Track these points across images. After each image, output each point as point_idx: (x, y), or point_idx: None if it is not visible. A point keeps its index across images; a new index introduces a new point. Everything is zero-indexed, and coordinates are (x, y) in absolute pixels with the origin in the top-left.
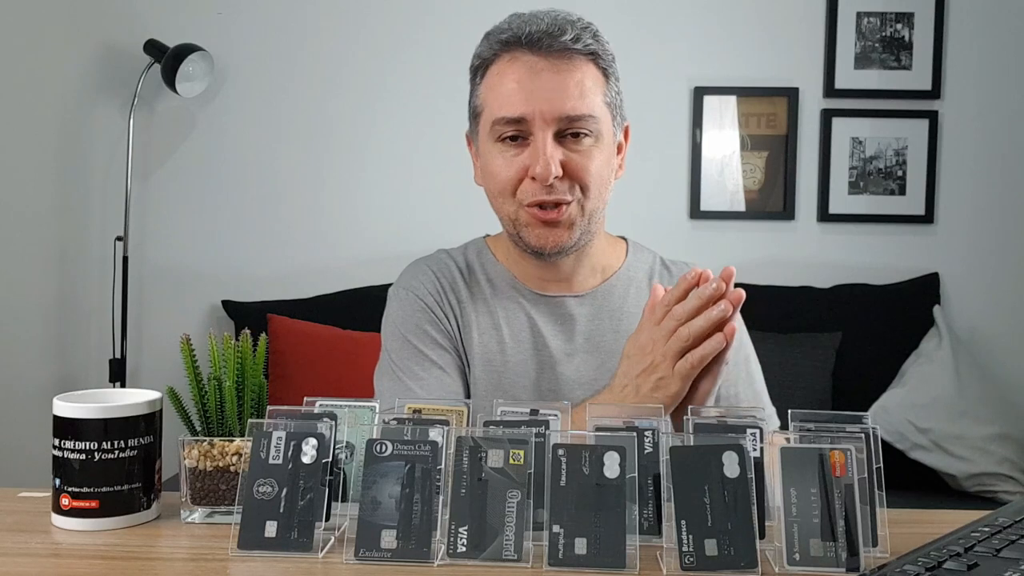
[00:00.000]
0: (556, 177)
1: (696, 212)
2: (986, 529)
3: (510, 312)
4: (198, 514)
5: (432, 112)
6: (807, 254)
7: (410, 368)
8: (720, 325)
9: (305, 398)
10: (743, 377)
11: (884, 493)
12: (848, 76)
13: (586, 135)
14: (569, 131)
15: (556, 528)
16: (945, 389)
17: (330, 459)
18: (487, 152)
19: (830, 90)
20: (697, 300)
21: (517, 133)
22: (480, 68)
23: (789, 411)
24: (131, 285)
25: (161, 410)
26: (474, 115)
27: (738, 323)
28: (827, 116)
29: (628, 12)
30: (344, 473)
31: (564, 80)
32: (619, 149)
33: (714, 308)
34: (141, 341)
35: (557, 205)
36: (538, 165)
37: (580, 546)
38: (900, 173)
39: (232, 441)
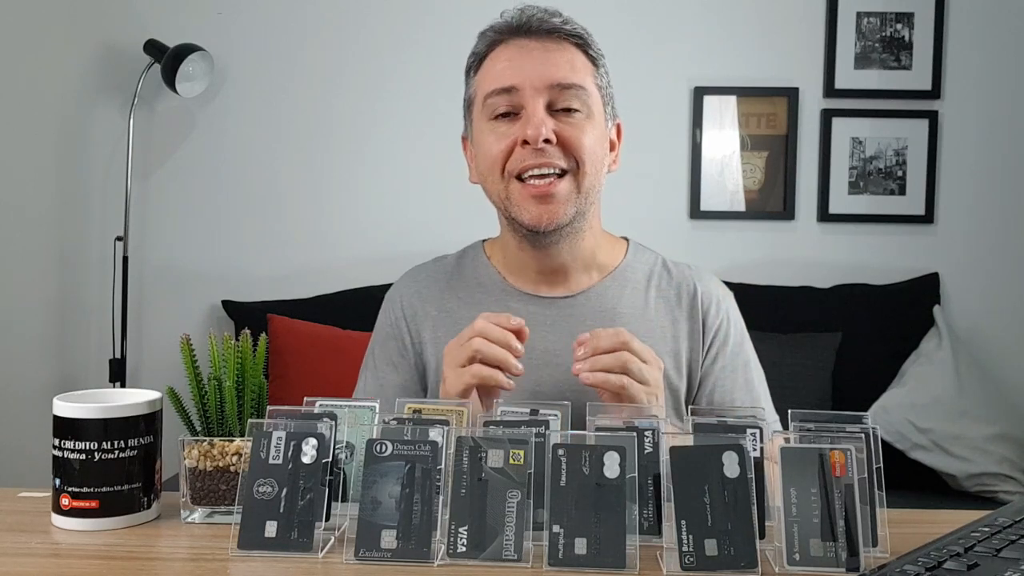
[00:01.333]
0: (547, 141)
1: (696, 212)
2: (986, 529)
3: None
4: (198, 514)
5: (432, 112)
6: (807, 254)
7: (364, 377)
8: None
9: (305, 398)
10: (740, 383)
11: (884, 493)
12: (848, 76)
13: (577, 110)
14: (560, 103)
15: (556, 528)
16: (945, 389)
17: (330, 459)
18: (480, 133)
19: (830, 90)
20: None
21: (509, 108)
22: (475, 64)
23: (789, 411)
24: (131, 285)
25: (161, 410)
26: (468, 105)
27: (737, 328)
28: (827, 116)
29: (628, 12)
30: (344, 473)
31: (554, 56)
32: (612, 146)
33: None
34: (141, 341)
35: (550, 179)
36: (529, 127)
37: (580, 546)
38: (900, 173)
39: (232, 441)
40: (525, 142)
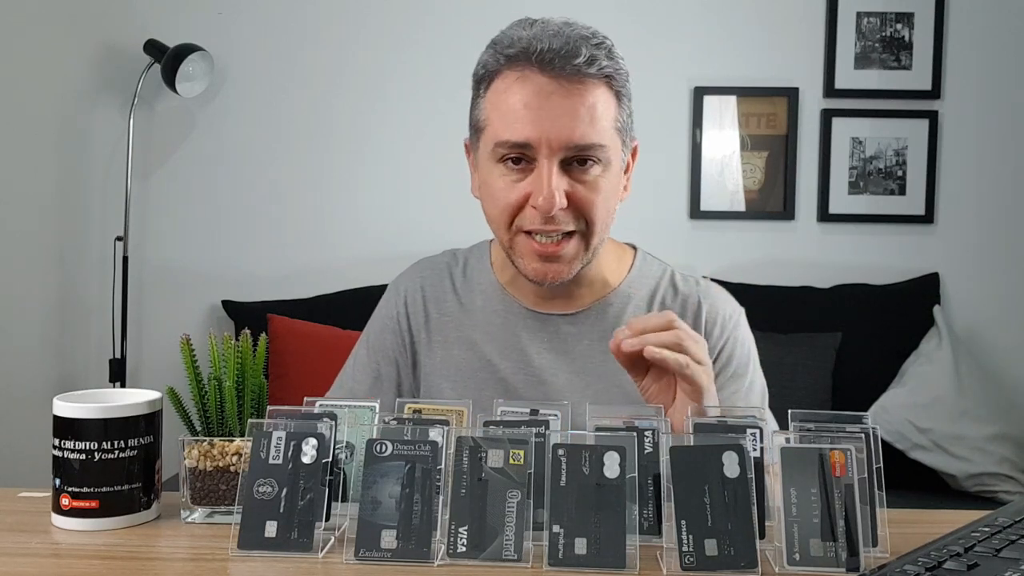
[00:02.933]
0: (560, 209)
1: (696, 212)
2: (986, 529)
3: (496, 327)
4: (198, 514)
5: (432, 112)
6: (807, 254)
7: (347, 373)
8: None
9: (305, 398)
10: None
11: (884, 493)
12: (848, 76)
13: (594, 163)
14: (576, 159)
15: (556, 528)
16: (945, 389)
17: (330, 459)
18: (487, 171)
19: (830, 90)
20: None
21: (521, 156)
22: (485, 79)
23: (789, 411)
24: (131, 285)
25: (161, 410)
26: (475, 128)
27: (743, 349)
28: (827, 116)
29: (628, 12)
30: (344, 473)
31: (575, 105)
32: (626, 168)
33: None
34: (141, 341)
35: (557, 240)
36: (541, 196)
37: (580, 546)
38: (900, 173)
39: (232, 441)
40: (535, 205)
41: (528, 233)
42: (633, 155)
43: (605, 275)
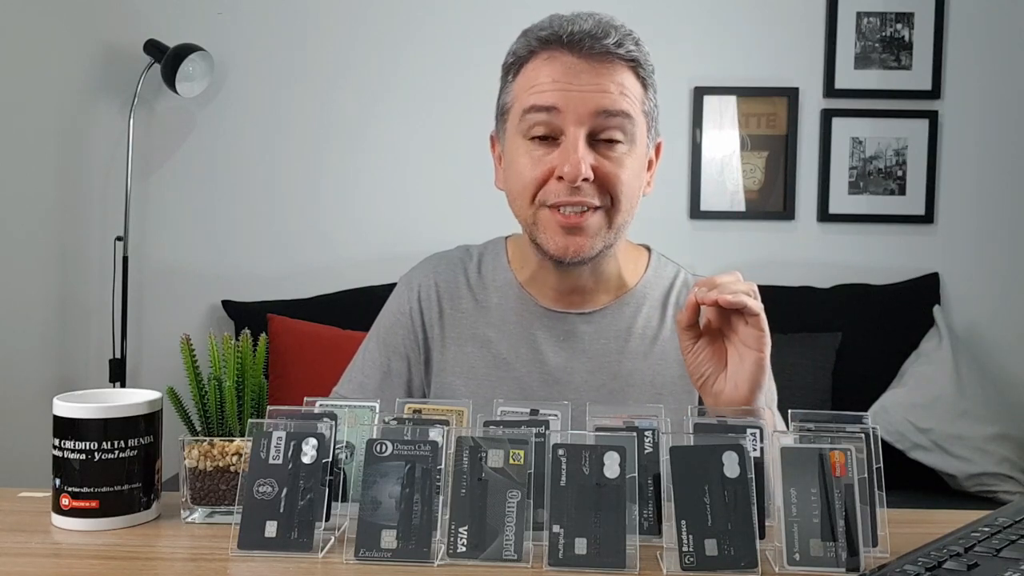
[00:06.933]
0: (585, 179)
1: (696, 212)
2: (986, 529)
3: (512, 325)
4: (198, 514)
5: (432, 112)
6: (807, 254)
7: (356, 367)
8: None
9: (305, 398)
10: None
11: (884, 493)
12: (848, 76)
13: (620, 141)
14: (603, 133)
15: (556, 528)
16: (945, 389)
17: (330, 459)
18: (513, 149)
19: (830, 90)
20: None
21: (547, 132)
22: (515, 65)
23: (789, 411)
24: (131, 285)
25: (161, 410)
26: (503, 112)
27: None
28: (827, 116)
29: (628, 12)
30: (344, 473)
31: (603, 81)
32: (649, 166)
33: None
34: (141, 341)
35: (582, 210)
36: (567, 164)
37: (580, 546)
38: (900, 173)
39: (232, 441)
40: (561, 176)
41: (551, 208)
42: (657, 153)
43: (623, 275)
